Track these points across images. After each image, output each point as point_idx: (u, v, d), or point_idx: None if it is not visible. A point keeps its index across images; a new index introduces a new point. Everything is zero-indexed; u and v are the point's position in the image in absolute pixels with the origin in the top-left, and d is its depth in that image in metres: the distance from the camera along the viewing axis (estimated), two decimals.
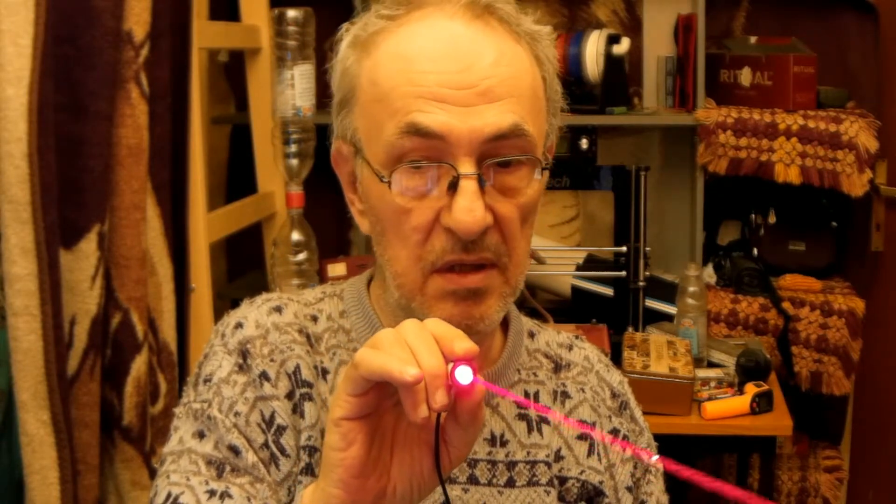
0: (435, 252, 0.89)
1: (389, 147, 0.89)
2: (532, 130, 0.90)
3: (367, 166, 0.93)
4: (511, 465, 0.99)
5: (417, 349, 0.73)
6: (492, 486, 0.98)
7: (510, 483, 0.99)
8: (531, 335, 1.08)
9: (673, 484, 1.12)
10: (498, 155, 0.89)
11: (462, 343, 0.74)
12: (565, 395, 1.05)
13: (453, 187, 0.88)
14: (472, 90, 0.88)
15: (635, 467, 1.06)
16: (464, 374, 0.73)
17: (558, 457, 1.01)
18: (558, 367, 1.06)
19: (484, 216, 0.87)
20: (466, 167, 0.87)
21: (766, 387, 2.17)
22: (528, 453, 1.00)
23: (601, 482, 1.03)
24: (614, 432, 1.06)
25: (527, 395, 1.03)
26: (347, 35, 0.95)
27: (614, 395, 1.08)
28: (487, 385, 0.75)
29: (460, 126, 0.87)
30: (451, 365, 0.73)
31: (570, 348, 1.09)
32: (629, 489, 1.05)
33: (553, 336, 1.10)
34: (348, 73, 0.94)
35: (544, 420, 1.02)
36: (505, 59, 0.90)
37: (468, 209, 0.87)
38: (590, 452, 1.03)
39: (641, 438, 1.08)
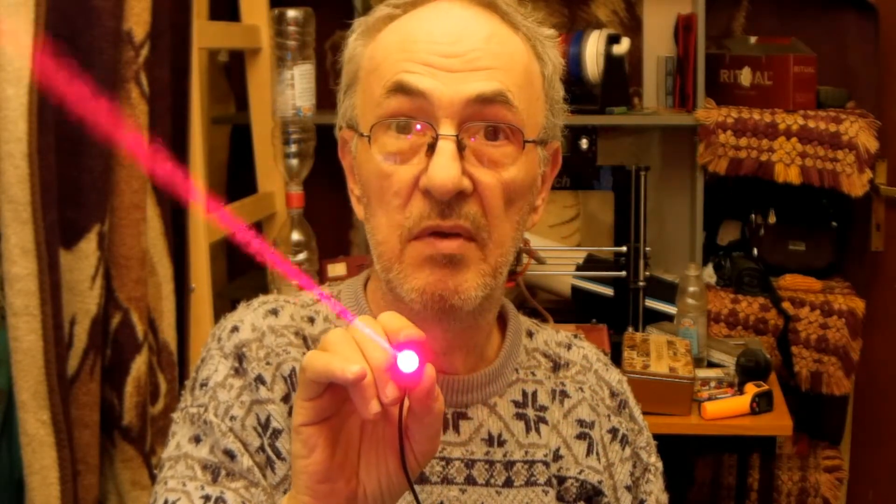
0: (412, 218, 0.89)
1: (376, 107, 0.91)
2: (519, 106, 0.90)
3: (360, 137, 0.94)
4: (509, 464, 0.99)
5: (365, 344, 0.72)
6: (490, 487, 0.98)
7: (508, 483, 0.99)
8: (529, 334, 1.07)
9: (673, 483, 1.12)
10: (480, 120, 0.89)
11: (407, 331, 0.73)
12: (564, 394, 1.05)
13: (432, 149, 0.88)
14: (461, 58, 0.89)
15: (634, 466, 1.06)
16: (406, 362, 0.71)
17: (557, 456, 1.01)
18: (557, 367, 1.06)
19: (459, 177, 0.87)
20: (446, 129, 0.88)
21: (766, 387, 2.17)
22: (526, 453, 1.00)
23: (600, 481, 1.03)
24: (613, 431, 1.06)
25: (524, 394, 1.02)
26: (359, 27, 0.97)
27: (613, 394, 1.08)
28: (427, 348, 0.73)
29: (443, 88, 0.88)
30: (393, 356, 0.72)
31: (569, 347, 1.09)
32: (628, 488, 1.05)
33: (552, 335, 1.09)
34: (353, 59, 0.96)
35: (542, 420, 1.02)
36: (498, 39, 0.92)
37: (443, 167, 0.87)
38: (588, 452, 1.03)
39: (640, 437, 1.08)
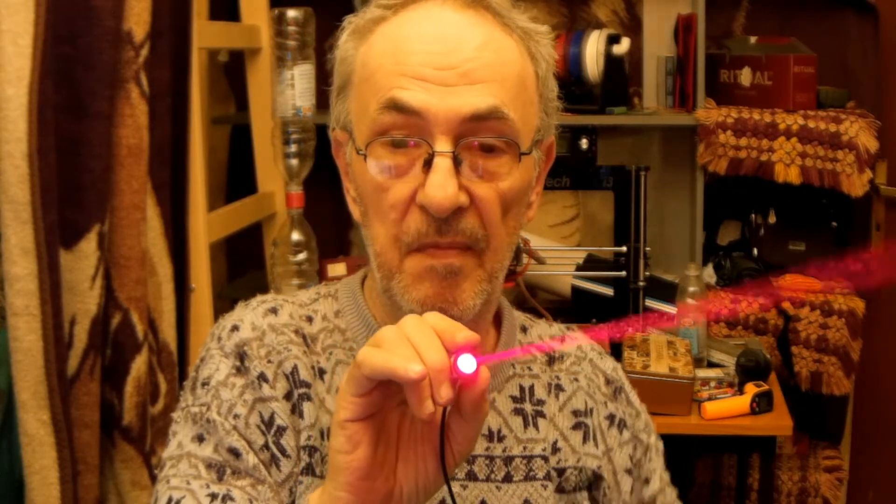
0: (410, 233, 0.90)
1: (371, 123, 0.90)
2: (514, 117, 0.90)
3: (354, 145, 0.94)
4: (508, 460, 1.00)
5: (420, 344, 0.72)
6: (490, 482, 0.98)
7: (507, 478, 0.99)
8: (524, 329, 1.08)
9: (673, 484, 1.13)
10: (476, 135, 0.89)
11: (463, 333, 0.74)
12: (559, 387, 1.05)
13: (428, 165, 0.88)
14: (454, 71, 0.89)
15: (634, 449, 1.07)
16: (466, 363, 0.73)
17: (555, 449, 1.02)
18: (552, 360, 1.07)
19: (456, 194, 0.88)
20: (442, 145, 0.88)
21: (766, 387, 2.17)
22: (525, 448, 1.00)
23: (599, 467, 1.03)
24: (610, 418, 1.06)
25: (521, 389, 1.03)
26: (349, 26, 0.97)
27: (608, 382, 1.08)
28: (492, 358, 0.75)
29: (438, 104, 0.88)
30: (453, 357, 0.73)
31: (563, 340, 1.09)
32: (628, 471, 1.05)
33: (545, 329, 1.10)
34: (346, 60, 0.96)
35: (540, 414, 1.03)
36: (491, 45, 0.91)
37: (440, 185, 0.87)
38: (585, 439, 1.04)
39: (639, 420, 1.09)
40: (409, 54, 0.89)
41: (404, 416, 0.78)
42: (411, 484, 0.78)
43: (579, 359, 1.08)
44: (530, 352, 1.03)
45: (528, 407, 1.02)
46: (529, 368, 1.05)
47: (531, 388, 1.04)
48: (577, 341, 1.10)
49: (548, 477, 1.01)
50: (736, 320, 2.59)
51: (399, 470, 0.78)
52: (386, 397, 0.75)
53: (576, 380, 1.06)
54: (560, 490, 1.01)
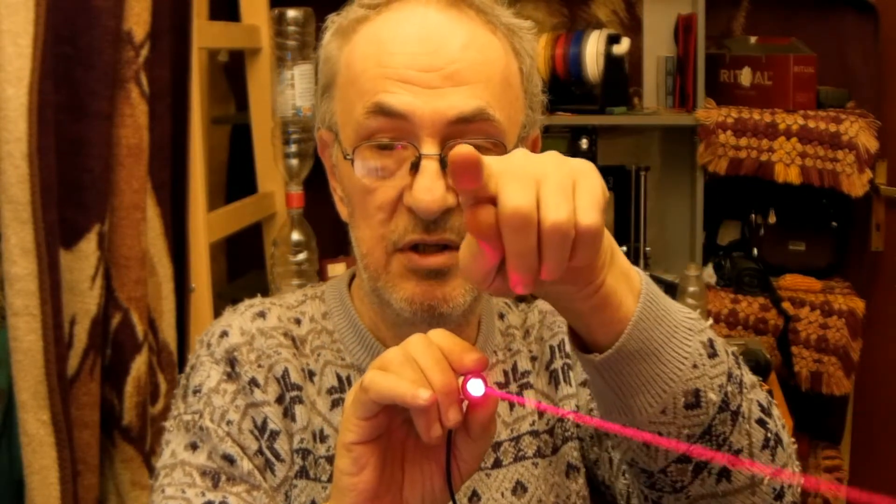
0: (397, 232, 0.90)
1: (357, 127, 0.91)
2: (500, 117, 0.90)
3: (340, 148, 0.94)
4: (496, 446, 1.00)
5: (427, 367, 0.72)
6: (480, 471, 0.99)
7: (497, 464, 1.00)
8: (501, 316, 1.08)
9: None
10: (462, 137, 0.89)
11: (472, 355, 0.73)
12: (534, 358, 1.06)
13: (415, 167, 0.88)
14: (439, 73, 0.89)
15: None
16: (476, 387, 0.72)
17: (541, 413, 1.02)
18: (526, 334, 1.07)
19: (444, 196, 0.88)
20: (429, 148, 0.88)
21: (766, 387, 2.17)
22: (512, 430, 1.01)
23: (577, 407, 1.03)
24: None
25: (505, 373, 1.03)
26: (332, 25, 0.97)
27: None
28: (501, 395, 0.75)
29: (423, 107, 0.88)
30: (461, 378, 0.72)
31: (527, 314, 1.09)
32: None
33: (517, 315, 1.10)
34: (330, 60, 0.96)
35: (526, 385, 1.03)
36: (475, 44, 0.91)
37: (428, 188, 0.87)
38: (557, 385, 1.04)
39: None
40: (393, 56, 0.89)
41: (410, 433, 0.77)
42: (417, 502, 0.78)
43: (541, 319, 1.08)
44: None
45: (513, 388, 1.03)
46: (510, 348, 1.05)
47: (514, 366, 1.04)
48: (538, 305, 1.10)
49: (538, 453, 1.01)
50: (736, 320, 2.59)
51: (405, 489, 0.78)
52: (391, 416, 0.75)
53: (541, 338, 1.06)
54: (555, 451, 1.01)
